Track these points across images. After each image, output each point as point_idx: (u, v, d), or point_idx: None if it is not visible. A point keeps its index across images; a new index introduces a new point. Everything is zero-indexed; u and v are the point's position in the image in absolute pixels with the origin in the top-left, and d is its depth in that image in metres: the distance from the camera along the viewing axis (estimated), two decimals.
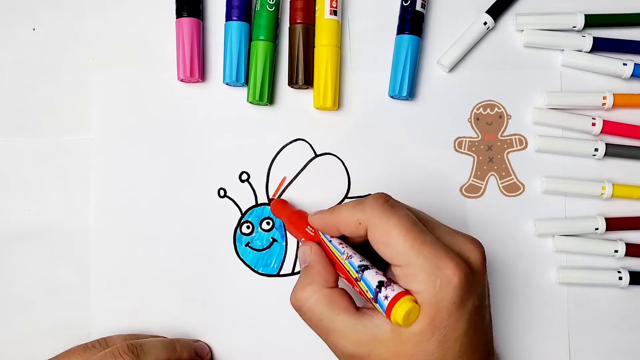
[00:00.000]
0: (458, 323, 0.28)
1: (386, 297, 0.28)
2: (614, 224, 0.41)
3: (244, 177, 0.41)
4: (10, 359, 0.40)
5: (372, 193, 0.32)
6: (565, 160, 0.42)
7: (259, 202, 0.41)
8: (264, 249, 0.41)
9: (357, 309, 0.31)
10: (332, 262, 0.33)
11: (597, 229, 0.40)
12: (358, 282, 0.30)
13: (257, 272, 0.40)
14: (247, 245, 0.41)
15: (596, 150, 0.41)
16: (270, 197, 0.41)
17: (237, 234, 0.41)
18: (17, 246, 0.40)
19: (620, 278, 0.40)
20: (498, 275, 0.41)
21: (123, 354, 0.34)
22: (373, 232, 0.30)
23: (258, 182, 0.41)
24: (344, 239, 0.33)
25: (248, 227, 0.41)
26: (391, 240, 0.29)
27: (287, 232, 0.41)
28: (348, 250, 0.32)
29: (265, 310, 0.40)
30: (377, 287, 0.29)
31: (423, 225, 0.30)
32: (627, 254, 0.40)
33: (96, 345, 0.37)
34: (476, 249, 0.30)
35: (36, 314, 0.40)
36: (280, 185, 0.41)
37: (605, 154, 0.41)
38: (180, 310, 0.40)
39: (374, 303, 0.29)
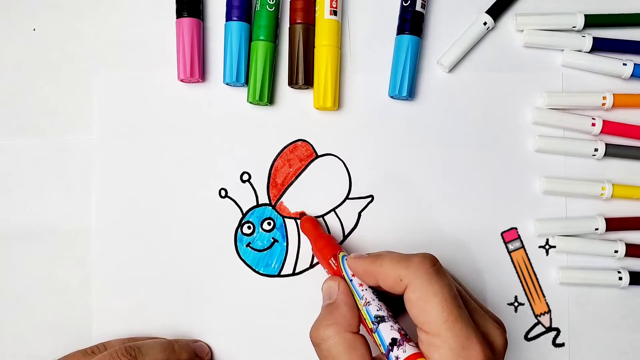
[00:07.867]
0: None
1: (397, 358, 0.28)
2: (614, 224, 0.41)
3: (245, 177, 0.41)
4: (10, 359, 0.40)
5: (419, 252, 0.31)
6: (566, 160, 0.42)
7: (260, 203, 0.41)
8: (264, 250, 0.41)
9: (373, 358, 0.31)
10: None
11: (597, 229, 0.40)
12: (372, 333, 0.30)
13: (258, 272, 0.40)
14: (248, 245, 0.41)
15: (596, 150, 0.41)
16: (300, 212, 0.41)
17: (238, 235, 0.41)
18: (18, 246, 0.40)
19: (620, 278, 0.40)
20: None
21: (121, 355, 0.34)
22: (412, 293, 0.29)
23: (259, 182, 0.41)
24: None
25: (249, 228, 0.41)
26: (428, 306, 0.29)
27: (288, 233, 0.41)
28: (367, 295, 0.32)
29: (266, 311, 0.40)
30: (390, 344, 0.29)
31: None
32: (627, 254, 0.40)
33: (95, 350, 0.37)
34: (501, 334, 0.30)
35: (37, 314, 0.40)
36: (281, 185, 0.41)
37: (605, 154, 0.41)
38: (181, 310, 0.40)
39: (385, 358, 0.30)
